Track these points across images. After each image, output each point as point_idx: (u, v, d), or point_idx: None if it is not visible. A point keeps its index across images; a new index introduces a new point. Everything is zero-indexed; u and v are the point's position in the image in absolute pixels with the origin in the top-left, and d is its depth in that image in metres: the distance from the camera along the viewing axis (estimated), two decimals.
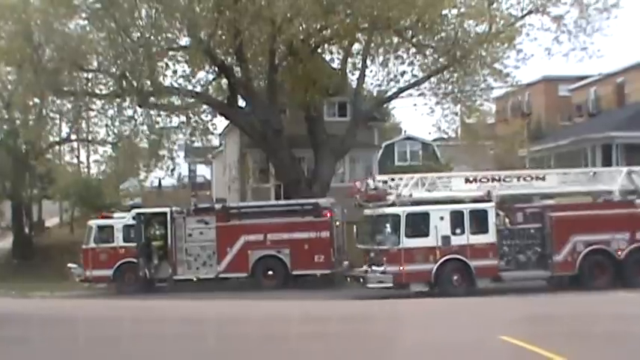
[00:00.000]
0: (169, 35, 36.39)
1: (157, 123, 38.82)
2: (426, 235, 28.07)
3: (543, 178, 30.52)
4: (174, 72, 37.27)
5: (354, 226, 30.82)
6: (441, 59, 37.61)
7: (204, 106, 39.30)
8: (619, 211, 29.73)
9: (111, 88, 38.26)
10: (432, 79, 38.60)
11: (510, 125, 62.18)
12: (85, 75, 38.18)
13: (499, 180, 29.85)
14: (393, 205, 28.65)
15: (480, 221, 28.59)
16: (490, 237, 28.53)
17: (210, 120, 40.11)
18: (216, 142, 54.86)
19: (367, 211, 29.50)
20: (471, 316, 17.38)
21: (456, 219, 28.39)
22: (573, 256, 28.94)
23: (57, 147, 50.22)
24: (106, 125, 40.56)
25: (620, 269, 29.03)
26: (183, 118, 38.91)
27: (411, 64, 38.29)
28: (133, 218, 34.53)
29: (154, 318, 20.13)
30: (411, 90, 39.17)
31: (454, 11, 36.45)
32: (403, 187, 29.10)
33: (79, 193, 49.11)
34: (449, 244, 28.11)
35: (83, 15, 37.00)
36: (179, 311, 22.62)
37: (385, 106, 48.60)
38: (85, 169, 54.68)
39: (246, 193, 44.88)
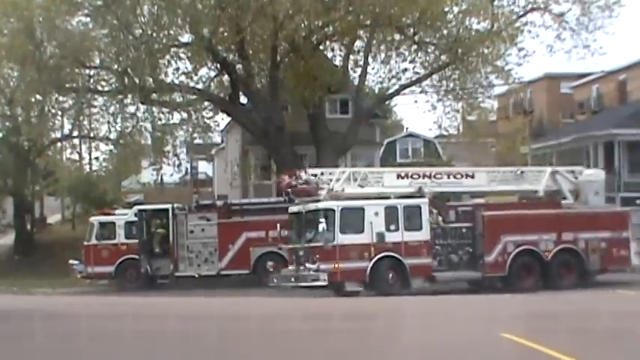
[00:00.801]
0: (171, 32, 36.43)
1: (159, 120, 38.87)
2: (361, 231, 27.02)
3: (472, 176, 29.94)
4: (176, 69, 37.37)
5: (277, 225, 30.09)
6: (442, 56, 37.61)
7: (206, 103, 39.35)
8: (546, 211, 29.25)
9: (113, 85, 38.31)
10: (434, 77, 38.62)
11: (512, 122, 62.15)
12: (87, 72, 38.24)
13: (429, 177, 29.19)
14: (323, 200, 27.46)
15: (413, 218, 27.72)
16: (424, 234, 27.69)
17: (212, 117, 40.22)
18: (218, 138, 54.80)
19: (294, 208, 28.30)
20: (472, 314, 17.40)
21: (391, 215, 27.48)
22: (504, 257, 28.20)
23: (59, 144, 50.24)
24: (108, 122, 40.61)
25: (546, 271, 28.51)
26: (185, 115, 38.95)
27: (413, 61, 38.32)
28: (135, 215, 34.59)
29: (155, 315, 20.15)
30: (413, 87, 39.20)
31: (456, 9, 36.48)
32: (335, 181, 28.14)
33: (80, 190, 49.20)
34: (383, 240, 27.13)
35: (85, 12, 37.10)
36: (180, 308, 22.64)
37: (387, 103, 48.62)
38: (87, 166, 54.71)
39: (247, 190, 44.91)
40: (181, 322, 17.49)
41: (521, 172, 30.89)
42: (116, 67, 37.18)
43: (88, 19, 37.13)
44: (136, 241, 34.13)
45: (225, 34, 36.32)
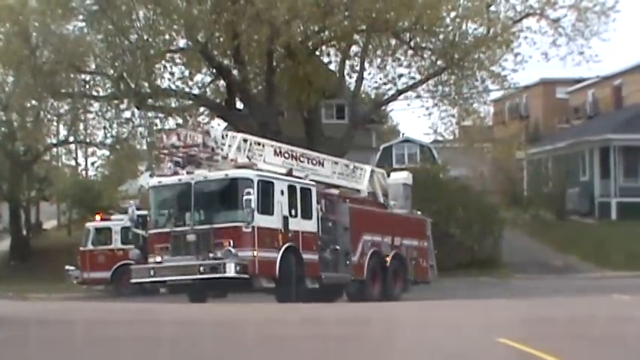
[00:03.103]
0: (167, 37, 36.47)
1: (155, 125, 38.85)
2: (271, 212, 23.07)
3: (322, 164, 26.77)
4: (172, 74, 37.42)
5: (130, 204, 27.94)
6: (438, 62, 37.64)
7: (202, 109, 39.36)
8: (385, 212, 27.10)
9: (108, 90, 38.33)
10: (430, 82, 38.62)
11: (508, 128, 62.22)
12: (83, 77, 38.25)
13: (296, 158, 25.68)
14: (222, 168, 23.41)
15: (305, 203, 24.18)
16: (314, 225, 24.20)
17: (208, 122, 40.15)
18: None
19: (173, 178, 23.67)
20: (467, 318, 17.39)
21: (292, 196, 23.76)
22: (363, 258, 25.39)
23: (54, 149, 50.21)
24: (104, 127, 40.63)
25: (385, 277, 26.16)
26: (180, 121, 38.92)
27: (409, 66, 38.36)
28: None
29: (151, 320, 20.11)
30: (409, 92, 39.20)
31: (452, 14, 36.51)
32: (228, 147, 23.87)
33: (76, 195, 49.11)
34: (288, 228, 23.32)
35: (80, 17, 37.10)
36: (176, 314, 22.60)
37: (383, 108, 48.63)
38: (83, 171, 54.67)
39: None
40: (177, 328, 17.45)
41: (354, 167, 28.15)
42: (112, 72, 37.19)
43: (84, 24, 37.17)
44: (132, 246, 34.06)
45: (221, 39, 36.35)
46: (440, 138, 42.39)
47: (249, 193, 22.30)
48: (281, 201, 23.33)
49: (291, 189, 23.85)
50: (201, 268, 22.45)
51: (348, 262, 25.14)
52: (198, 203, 23.51)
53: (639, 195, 43.92)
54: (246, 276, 22.29)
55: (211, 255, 22.49)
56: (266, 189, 23.11)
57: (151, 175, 27.53)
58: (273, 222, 23.06)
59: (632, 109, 49.60)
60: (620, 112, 51.78)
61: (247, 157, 24.19)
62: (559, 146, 49.05)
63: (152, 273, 23.37)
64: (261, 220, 22.62)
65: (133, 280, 24.64)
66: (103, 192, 47.97)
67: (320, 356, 13.07)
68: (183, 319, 20.51)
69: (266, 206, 22.98)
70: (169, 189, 24.28)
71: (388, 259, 26.38)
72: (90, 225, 36.36)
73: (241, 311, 22.16)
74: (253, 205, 22.28)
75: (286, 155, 25.63)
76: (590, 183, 45.97)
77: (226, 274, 22.25)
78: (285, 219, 23.28)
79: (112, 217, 37.43)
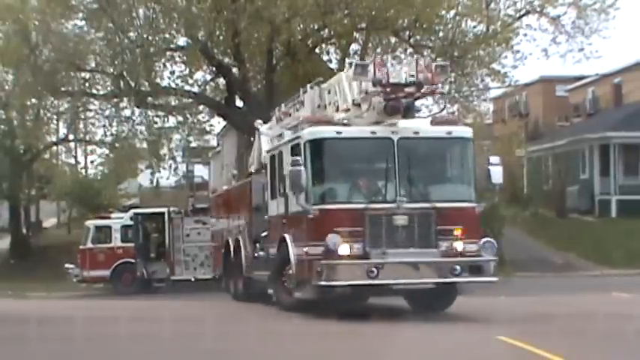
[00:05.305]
0: (167, 35, 36.46)
1: (155, 123, 38.87)
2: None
3: None
4: (172, 72, 37.41)
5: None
6: (438, 59, 37.58)
7: (202, 107, 39.34)
8: None
9: (108, 89, 38.35)
10: None
11: (508, 125, 62.17)
12: (83, 75, 38.23)
13: None
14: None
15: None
16: None
17: (208, 120, 40.24)
18: (214, 142, 54.85)
19: (384, 129, 17.37)
20: (467, 316, 17.39)
21: None
22: None
23: (54, 147, 50.26)
24: (104, 125, 40.70)
25: None
26: (180, 119, 38.97)
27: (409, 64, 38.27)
28: (131, 218, 34.61)
29: (151, 318, 20.13)
30: None
31: (452, 11, 36.50)
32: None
33: (76, 194, 49.16)
34: None
35: (80, 15, 37.08)
36: (176, 312, 22.63)
37: None
38: (83, 170, 54.72)
39: None
40: (177, 325, 17.46)
41: None
42: (111, 70, 37.20)
43: (84, 22, 37.15)
44: (132, 244, 34.14)
45: (221, 37, 36.33)
46: None
47: (469, 161, 17.84)
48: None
49: None
50: (457, 268, 16.96)
51: None
52: (404, 170, 17.29)
53: (639, 192, 43.90)
54: (494, 279, 17.68)
55: (442, 247, 17.04)
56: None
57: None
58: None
59: (632, 106, 49.57)
60: (620, 109, 51.75)
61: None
62: (559, 144, 49.00)
63: (374, 273, 16.50)
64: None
65: (338, 282, 16.60)
66: (102, 190, 48.02)
67: None
68: (186, 316, 20.55)
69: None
70: (355, 145, 17.63)
71: None
72: (90, 223, 36.41)
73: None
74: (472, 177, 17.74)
75: None
76: (590, 181, 45.95)
77: (484, 278, 17.42)
78: None
79: (112, 215, 37.53)
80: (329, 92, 19.57)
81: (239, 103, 39.23)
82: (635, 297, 24.49)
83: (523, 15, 37.23)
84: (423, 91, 17.34)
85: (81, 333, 15.91)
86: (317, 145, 17.46)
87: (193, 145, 44.94)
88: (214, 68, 37.99)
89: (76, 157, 53.61)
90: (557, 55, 37.41)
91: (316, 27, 36.15)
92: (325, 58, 39.79)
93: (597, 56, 37.54)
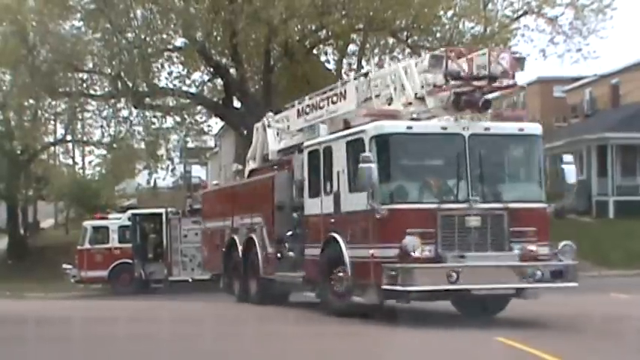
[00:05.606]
0: (164, 36, 36.50)
1: (153, 124, 38.89)
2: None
3: None
4: (170, 73, 37.50)
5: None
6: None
7: (199, 107, 39.35)
8: None
9: (106, 89, 38.39)
10: None
11: None
12: (80, 76, 38.27)
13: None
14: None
15: None
16: None
17: (205, 121, 40.27)
18: (211, 142, 54.87)
19: (454, 125, 16.36)
20: (465, 317, 17.39)
21: None
22: None
23: (52, 148, 50.26)
24: (101, 126, 40.77)
25: None
26: (178, 119, 38.99)
27: None
28: (129, 219, 34.60)
29: (148, 319, 20.12)
30: None
31: (449, 12, 36.54)
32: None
33: (74, 194, 49.16)
34: None
35: (78, 16, 37.10)
36: (174, 313, 22.61)
37: None
38: (80, 170, 54.73)
39: None
40: (174, 326, 17.46)
41: None
42: (109, 71, 37.22)
43: (81, 23, 37.17)
44: (130, 245, 34.13)
45: (219, 38, 36.36)
46: None
47: (539, 160, 17.16)
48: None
49: None
50: (538, 273, 15.96)
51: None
52: (475, 168, 16.32)
53: (637, 193, 43.92)
54: (575, 284, 16.43)
55: (515, 250, 16.08)
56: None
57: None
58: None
59: (629, 107, 49.60)
60: (618, 110, 51.76)
61: None
62: (556, 145, 48.97)
63: (454, 278, 15.44)
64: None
65: (416, 287, 15.42)
66: (100, 191, 48.01)
67: None
68: (184, 316, 20.53)
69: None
70: (425, 141, 16.61)
71: None
72: (87, 224, 36.41)
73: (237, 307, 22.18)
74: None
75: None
76: (587, 181, 45.96)
77: (566, 283, 16.25)
78: None
79: (110, 215, 37.53)
80: (376, 85, 18.50)
81: (237, 103, 39.25)
82: (634, 298, 24.51)
83: (520, 16, 37.30)
84: (498, 84, 16.50)
85: (79, 333, 15.90)
86: (385, 140, 16.30)
87: (191, 145, 45.00)
88: (212, 69, 37.99)
89: (73, 158, 53.67)
90: (554, 55, 37.51)
91: (314, 28, 36.18)
92: (323, 58, 39.91)
93: (595, 57, 37.72)
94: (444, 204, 15.92)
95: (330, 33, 36.35)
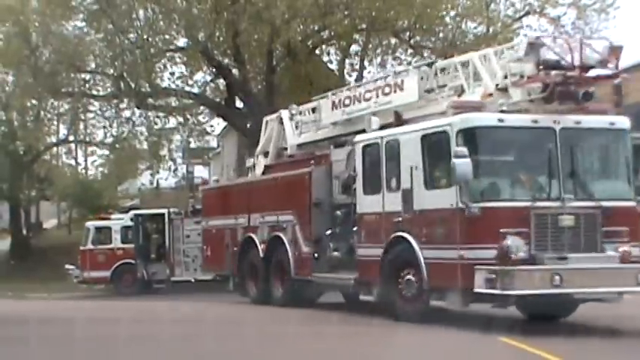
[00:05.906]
0: (167, 36, 36.49)
1: (155, 124, 38.92)
2: None
3: None
4: (172, 73, 37.45)
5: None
6: (439, 60, 37.57)
7: (202, 108, 39.37)
8: None
9: (108, 90, 38.40)
10: None
11: None
12: (83, 76, 38.28)
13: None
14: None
15: None
16: None
17: (208, 121, 40.27)
18: (214, 143, 54.90)
19: (545, 118, 15.45)
20: (468, 317, 17.38)
21: None
22: None
23: (55, 148, 50.31)
24: (104, 127, 40.78)
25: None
26: (180, 120, 39.01)
27: (409, 65, 38.27)
28: (131, 219, 34.64)
29: (151, 319, 20.13)
30: None
31: (452, 12, 36.51)
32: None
33: (76, 195, 49.22)
34: None
35: (80, 16, 37.12)
36: (176, 313, 22.61)
37: None
38: (83, 171, 54.79)
39: None
40: (176, 326, 17.46)
41: None
42: (112, 71, 37.22)
43: (84, 23, 37.18)
44: (132, 245, 34.16)
45: (221, 38, 36.34)
46: None
47: (628, 155, 16.28)
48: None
49: None
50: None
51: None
52: (566, 164, 15.44)
53: None
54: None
55: (610, 252, 15.19)
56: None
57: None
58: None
59: (631, 107, 49.59)
60: (620, 110, 51.79)
61: None
62: None
63: (558, 281, 14.47)
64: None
65: (518, 292, 14.51)
66: (103, 191, 48.06)
67: None
68: (186, 317, 20.52)
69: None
70: (515, 135, 15.60)
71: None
72: (90, 224, 36.45)
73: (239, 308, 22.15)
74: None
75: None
76: None
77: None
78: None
79: (112, 216, 37.57)
80: (444, 75, 17.61)
81: (239, 104, 39.25)
82: (636, 298, 24.48)
83: (523, 15, 37.23)
84: (596, 75, 15.88)
85: (82, 334, 15.91)
86: (474, 134, 15.19)
87: (193, 146, 45.02)
88: (214, 69, 37.99)
89: (76, 159, 53.72)
90: None
91: (316, 28, 36.15)
92: (325, 59, 39.84)
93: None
94: (536, 202, 15.01)
95: (332, 33, 36.32)
